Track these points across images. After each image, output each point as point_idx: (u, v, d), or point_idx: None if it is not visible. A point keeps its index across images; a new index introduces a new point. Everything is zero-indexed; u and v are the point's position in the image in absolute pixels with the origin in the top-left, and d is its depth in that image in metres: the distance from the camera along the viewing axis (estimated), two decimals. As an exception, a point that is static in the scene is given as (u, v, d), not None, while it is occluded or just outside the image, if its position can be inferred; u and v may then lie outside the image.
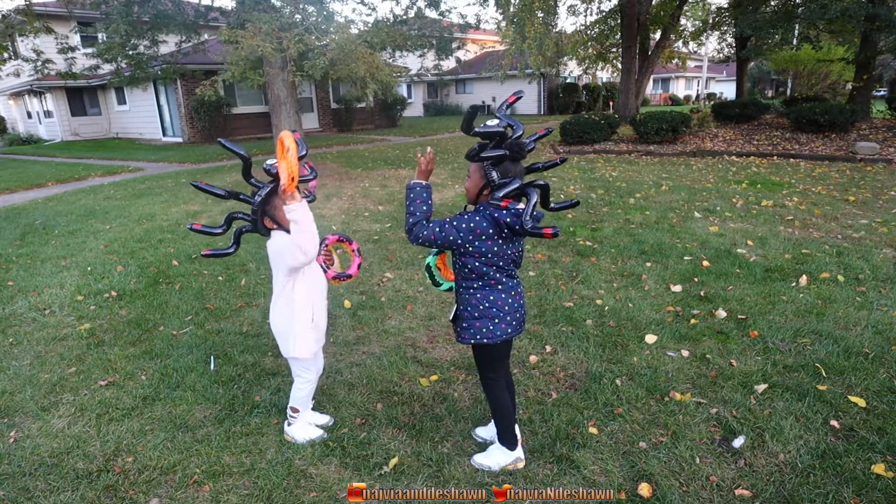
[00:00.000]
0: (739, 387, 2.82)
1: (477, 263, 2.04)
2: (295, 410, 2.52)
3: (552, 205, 2.09)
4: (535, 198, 1.90)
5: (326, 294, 2.49)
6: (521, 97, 2.03)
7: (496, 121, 1.92)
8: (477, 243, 1.99)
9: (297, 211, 2.02)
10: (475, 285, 2.09)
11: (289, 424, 2.56)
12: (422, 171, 2.08)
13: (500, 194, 1.93)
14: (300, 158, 2.22)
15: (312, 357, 2.45)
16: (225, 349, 3.45)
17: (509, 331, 2.13)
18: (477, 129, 1.89)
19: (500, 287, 2.10)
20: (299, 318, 2.32)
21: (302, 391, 2.49)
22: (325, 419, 2.69)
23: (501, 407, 2.25)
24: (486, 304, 2.09)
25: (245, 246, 5.51)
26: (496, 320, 2.10)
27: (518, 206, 1.98)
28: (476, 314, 2.10)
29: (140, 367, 3.28)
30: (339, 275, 2.66)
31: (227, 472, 2.33)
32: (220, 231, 2.31)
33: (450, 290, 2.40)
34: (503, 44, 21.03)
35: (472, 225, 1.98)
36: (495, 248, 2.02)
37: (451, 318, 2.25)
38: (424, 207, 2.04)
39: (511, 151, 1.94)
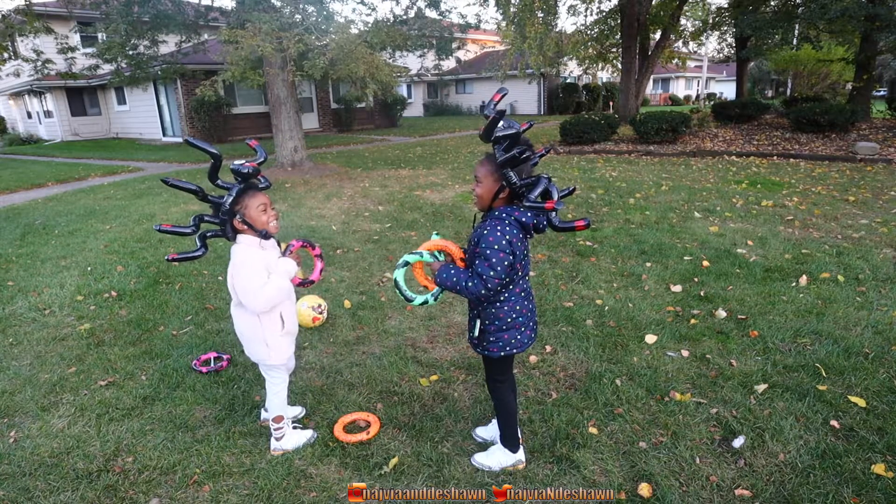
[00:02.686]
0: (739, 387, 2.82)
1: (515, 275, 2.03)
2: (279, 420, 2.43)
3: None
4: (556, 193, 1.89)
5: (294, 296, 2.47)
6: (505, 94, 1.98)
7: (500, 122, 1.90)
8: (518, 253, 1.96)
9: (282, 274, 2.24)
10: (502, 298, 2.06)
11: (276, 439, 2.45)
12: (437, 266, 2.07)
13: (534, 194, 1.88)
14: (260, 164, 2.26)
15: (284, 363, 2.44)
16: (225, 349, 3.45)
17: (532, 335, 2.15)
18: (497, 134, 1.85)
19: (522, 294, 2.09)
20: (269, 329, 2.31)
21: (278, 395, 2.43)
22: (296, 410, 2.69)
23: (507, 409, 2.25)
24: (514, 315, 2.07)
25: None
26: (523, 329, 2.10)
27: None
28: (504, 326, 2.08)
29: (140, 367, 3.28)
30: (303, 281, 2.61)
31: (227, 472, 2.33)
32: (188, 231, 2.25)
33: (423, 304, 2.16)
34: (503, 44, 21.05)
35: (509, 237, 1.93)
36: (524, 251, 2.02)
37: (474, 334, 2.14)
38: (462, 274, 1.98)
39: (528, 149, 1.93)
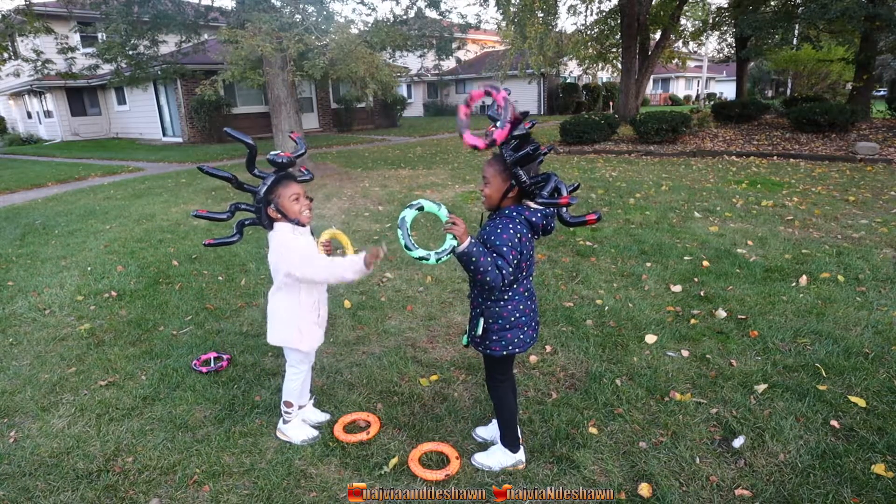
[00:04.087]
0: (739, 387, 2.82)
1: (520, 274, 2.03)
2: (288, 405, 2.52)
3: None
4: (564, 189, 1.90)
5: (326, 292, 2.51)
6: (490, 92, 1.96)
7: (499, 122, 1.90)
8: (524, 251, 1.98)
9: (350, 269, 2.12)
10: (506, 297, 2.06)
11: (284, 422, 2.55)
12: (463, 230, 1.87)
13: (546, 191, 1.89)
14: (299, 156, 2.29)
15: (311, 352, 2.47)
16: (225, 349, 3.45)
17: (534, 335, 2.15)
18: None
19: (526, 294, 2.10)
20: (306, 317, 2.36)
21: (294, 382, 2.49)
22: (324, 417, 2.70)
23: (507, 409, 2.26)
24: (517, 314, 2.08)
25: (245, 246, 5.51)
26: (525, 328, 2.11)
27: (540, 208, 1.98)
28: (507, 325, 2.08)
29: (140, 367, 3.28)
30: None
31: (227, 472, 2.33)
32: (224, 217, 2.32)
33: (420, 259, 1.94)
34: (503, 44, 21.04)
35: (519, 236, 1.95)
36: (530, 252, 2.03)
37: (477, 332, 2.12)
38: (489, 258, 1.89)
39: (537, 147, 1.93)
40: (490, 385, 2.29)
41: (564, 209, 1.89)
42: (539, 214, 1.98)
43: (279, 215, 2.25)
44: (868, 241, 5.03)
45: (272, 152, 2.21)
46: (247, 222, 2.38)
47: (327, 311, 2.51)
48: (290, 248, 2.22)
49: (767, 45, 19.39)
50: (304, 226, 2.31)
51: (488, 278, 1.90)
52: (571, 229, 5.72)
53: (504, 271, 1.91)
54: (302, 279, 2.24)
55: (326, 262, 2.21)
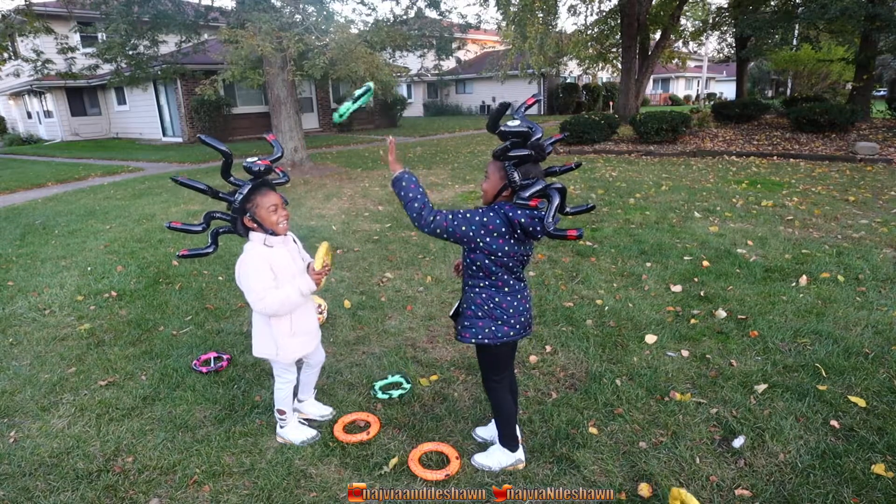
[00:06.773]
0: (739, 387, 2.82)
1: (487, 261, 2.01)
2: (281, 413, 2.51)
3: (567, 208, 2.05)
4: (557, 199, 1.88)
5: (310, 298, 2.45)
6: (539, 100, 1.97)
7: (517, 122, 1.90)
8: (488, 240, 1.97)
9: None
10: (482, 284, 2.07)
11: (281, 427, 2.54)
12: (393, 160, 2.10)
13: (527, 194, 1.89)
14: (275, 160, 2.25)
15: (292, 363, 2.45)
16: (225, 349, 3.45)
17: (511, 333, 2.11)
18: (502, 129, 1.86)
19: (506, 289, 2.08)
20: (275, 328, 2.32)
21: (282, 391, 2.48)
22: (328, 410, 2.71)
23: (504, 409, 2.25)
24: (491, 305, 2.07)
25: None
26: (499, 322, 2.09)
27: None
28: (480, 314, 2.09)
29: (140, 367, 3.28)
30: None
31: (227, 472, 2.33)
32: (198, 229, 2.27)
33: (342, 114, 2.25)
34: (503, 44, 21.05)
35: (484, 220, 1.96)
36: (506, 248, 2.00)
37: (451, 314, 2.23)
38: (421, 190, 2.03)
39: (535, 152, 1.92)
40: (486, 386, 2.28)
41: (550, 219, 1.86)
42: (519, 212, 1.95)
43: (255, 225, 2.22)
44: (868, 241, 5.03)
45: (248, 159, 2.17)
46: (221, 230, 2.32)
47: (310, 321, 2.45)
48: (249, 283, 2.19)
49: (767, 45, 19.39)
50: (278, 236, 2.27)
51: (412, 205, 2.00)
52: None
53: (439, 214, 1.97)
54: (259, 308, 2.23)
55: (277, 297, 2.19)
